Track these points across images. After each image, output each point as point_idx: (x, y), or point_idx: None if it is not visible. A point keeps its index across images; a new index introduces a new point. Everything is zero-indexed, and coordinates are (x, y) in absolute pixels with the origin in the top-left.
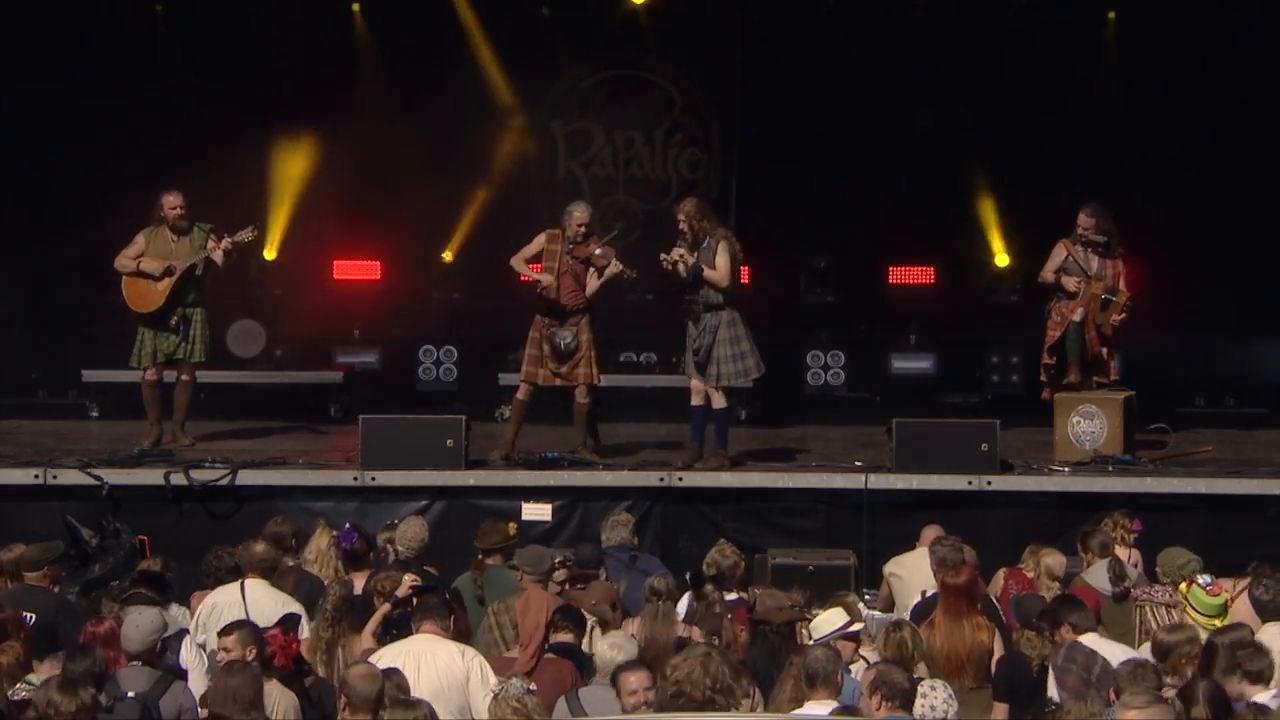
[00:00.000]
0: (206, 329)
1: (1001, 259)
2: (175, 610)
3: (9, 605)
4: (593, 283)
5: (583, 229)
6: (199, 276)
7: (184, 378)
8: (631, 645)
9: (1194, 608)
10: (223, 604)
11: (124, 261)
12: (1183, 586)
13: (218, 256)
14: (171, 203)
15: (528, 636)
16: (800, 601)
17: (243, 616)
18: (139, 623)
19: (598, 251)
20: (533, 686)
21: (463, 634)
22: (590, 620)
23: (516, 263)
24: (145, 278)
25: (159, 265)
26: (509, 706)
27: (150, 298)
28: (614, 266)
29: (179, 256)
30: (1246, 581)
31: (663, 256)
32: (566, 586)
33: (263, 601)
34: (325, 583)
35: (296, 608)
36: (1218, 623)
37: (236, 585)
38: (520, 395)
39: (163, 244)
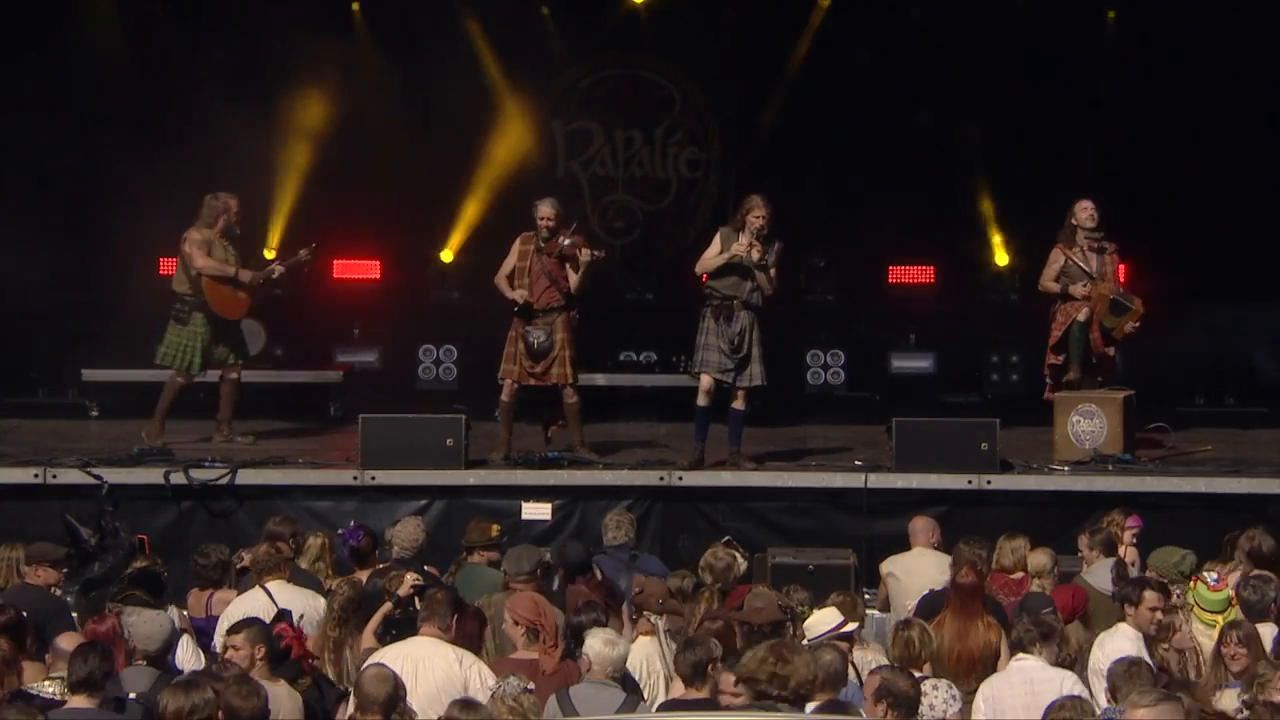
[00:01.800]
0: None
1: (1001, 258)
2: (170, 610)
3: (3, 602)
4: (573, 278)
5: (548, 224)
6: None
7: (232, 376)
8: (624, 642)
9: (1199, 605)
10: (251, 609)
11: (213, 264)
12: (1190, 584)
13: (274, 273)
14: (234, 206)
15: (552, 637)
16: (804, 600)
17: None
18: (160, 622)
19: (566, 243)
20: (530, 686)
21: (470, 635)
22: (661, 620)
23: (500, 283)
24: (233, 284)
25: (246, 275)
26: (505, 705)
27: (237, 304)
28: (584, 254)
29: (231, 261)
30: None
31: (751, 243)
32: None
33: (293, 601)
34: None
35: (320, 601)
36: (1221, 619)
37: (258, 590)
38: (504, 396)
39: (220, 250)
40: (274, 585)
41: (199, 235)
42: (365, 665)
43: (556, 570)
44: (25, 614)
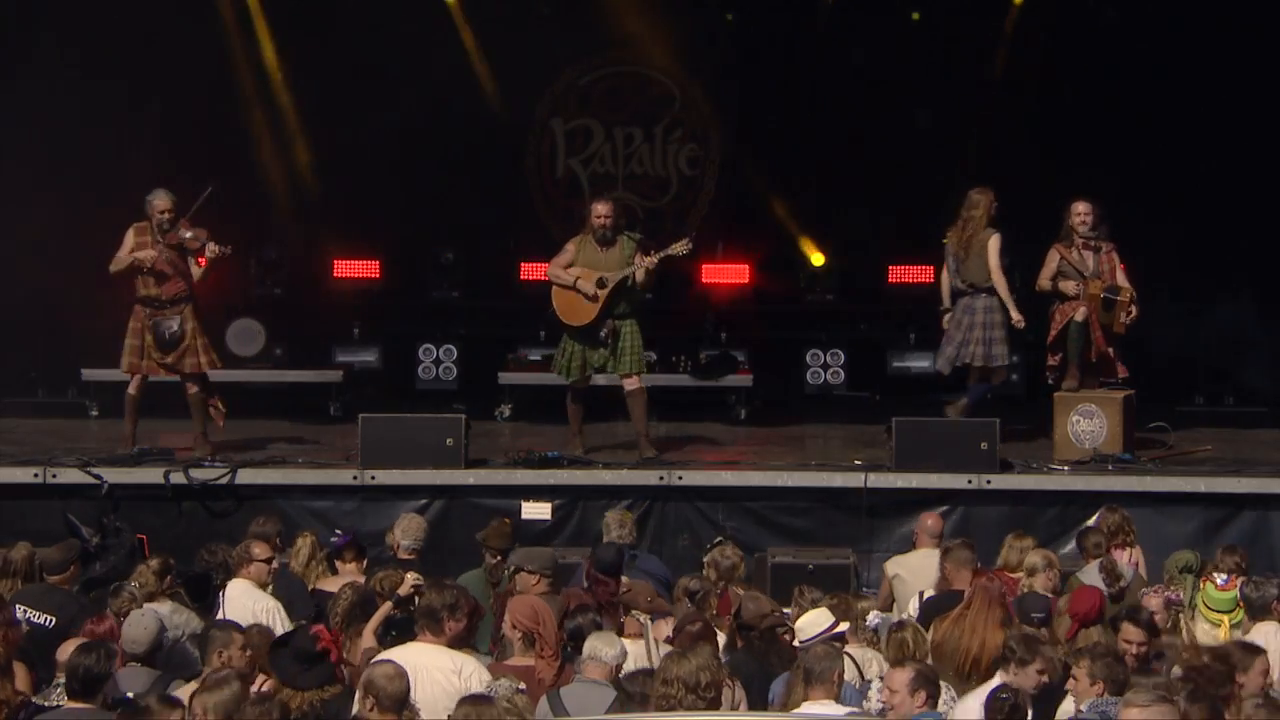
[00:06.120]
0: (638, 339)
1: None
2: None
3: (23, 604)
4: (195, 270)
5: (167, 215)
6: (630, 289)
7: (631, 388)
8: (618, 642)
9: (1207, 605)
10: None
11: (556, 272)
12: (1201, 584)
13: (639, 275)
14: (599, 211)
15: (550, 647)
16: (818, 599)
17: (221, 616)
18: (143, 623)
19: (188, 235)
20: (522, 686)
21: (464, 637)
22: (644, 618)
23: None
24: (578, 293)
25: (590, 280)
26: (500, 705)
27: (582, 311)
28: (210, 248)
29: (607, 266)
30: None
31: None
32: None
33: (239, 599)
34: (307, 585)
35: (272, 604)
36: (1228, 619)
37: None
38: (131, 390)
39: (591, 253)
40: (234, 583)
41: (571, 244)
42: (373, 662)
43: (586, 570)
44: (54, 619)
